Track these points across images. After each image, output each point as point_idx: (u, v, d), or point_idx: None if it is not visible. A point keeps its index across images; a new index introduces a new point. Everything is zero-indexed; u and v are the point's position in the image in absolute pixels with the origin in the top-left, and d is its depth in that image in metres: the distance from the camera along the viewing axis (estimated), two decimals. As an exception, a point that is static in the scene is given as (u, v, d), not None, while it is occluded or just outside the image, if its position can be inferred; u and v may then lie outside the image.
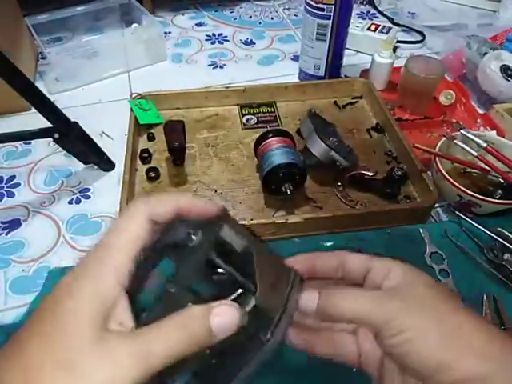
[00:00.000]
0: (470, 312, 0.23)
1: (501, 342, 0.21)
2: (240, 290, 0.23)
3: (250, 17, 0.98)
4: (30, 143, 0.65)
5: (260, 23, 0.96)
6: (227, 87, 0.69)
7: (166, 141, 0.59)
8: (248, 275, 0.24)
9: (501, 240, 0.48)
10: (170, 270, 0.23)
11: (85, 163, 0.60)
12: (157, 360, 0.19)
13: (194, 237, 0.23)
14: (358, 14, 0.98)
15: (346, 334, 0.28)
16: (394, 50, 0.74)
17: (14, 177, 0.60)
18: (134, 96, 0.65)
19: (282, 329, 0.24)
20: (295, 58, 0.83)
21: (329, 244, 0.49)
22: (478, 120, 0.66)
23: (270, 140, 0.55)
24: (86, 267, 0.21)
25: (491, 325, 0.23)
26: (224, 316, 0.21)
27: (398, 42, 0.84)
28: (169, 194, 0.24)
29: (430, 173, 0.55)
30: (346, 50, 0.74)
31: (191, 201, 0.24)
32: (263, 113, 0.68)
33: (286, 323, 0.24)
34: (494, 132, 0.61)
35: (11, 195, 0.58)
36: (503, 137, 0.59)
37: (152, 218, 0.22)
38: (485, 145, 0.52)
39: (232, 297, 0.23)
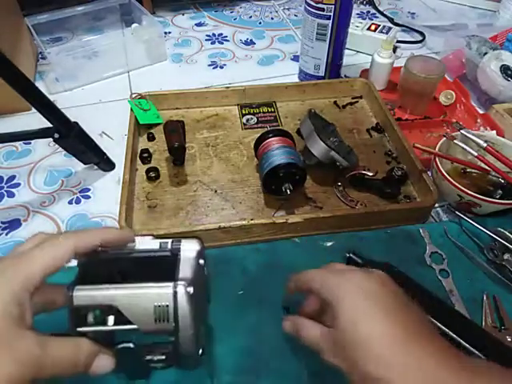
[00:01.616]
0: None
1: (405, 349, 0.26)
2: (123, 345, 0.27)
3: (250, 17, 0.98)
4: (30, 143, 0.65)
5: (260, 23, 0.96)
6: (227, 87, 0.69)
7: (165, 141, 0.59)
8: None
9: (501, 240, 0.48)
10: None
11: (85, 163, 0.60)
12: (46, 368, 0.23)
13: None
14: (358, 14, 0.98)
15: None
16: (394, 50, 0.74)
17: (14, 177, 0.60)
18: (133, 96, 0.65)
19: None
20: (295, 58, 0.83)
21: (329, 244, 0.49)
22: (478, 120, 0.66)
23: (270, 140, 0.55)
24: (2, 271, 0.24)
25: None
26: (102, 365, 0.26)
27: (398, 41, 0.84)
28: (95, 229, 0.29)
29: (429, 173, 0.55)
30: (346, 50, 0.74)
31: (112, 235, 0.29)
32: (263, 113, 0.68)
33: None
34: (494, 132, 0.61)
35: (11, 195, 0.58)
36: (503, 137, 0.59)
37: (76, 251, 0.26)
38: (485, 145, 0.52)
39: (117, 347, 0.27)
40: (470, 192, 0.49)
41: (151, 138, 0.63)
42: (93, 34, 0.87)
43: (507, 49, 0.73)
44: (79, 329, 0.26)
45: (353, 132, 0.65)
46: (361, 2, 1.02)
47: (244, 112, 0.68)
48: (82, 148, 0.56)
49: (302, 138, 0.59)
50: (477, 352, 0.36)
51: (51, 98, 0.52)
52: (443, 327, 0.38)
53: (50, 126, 0.53)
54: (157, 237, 0.30)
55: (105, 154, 0.60)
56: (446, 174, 0.51)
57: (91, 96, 0.74)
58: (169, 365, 0.28)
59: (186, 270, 0.28)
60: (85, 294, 0.26)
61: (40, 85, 0.74)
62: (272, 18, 0.98)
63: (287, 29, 0.94)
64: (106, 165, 0.60)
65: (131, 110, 0.63)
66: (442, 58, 0.77)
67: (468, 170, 0.56)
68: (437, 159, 0.53)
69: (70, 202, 0.57)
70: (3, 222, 0.54)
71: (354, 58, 0.83)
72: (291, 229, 0.50)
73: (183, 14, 0.98)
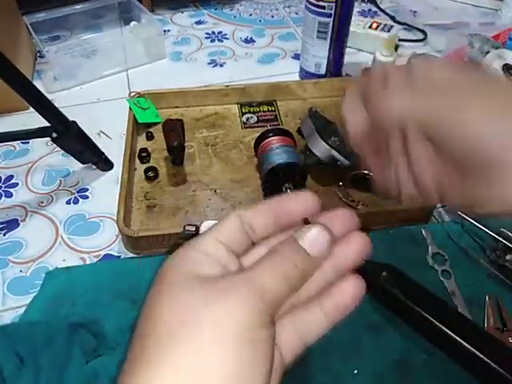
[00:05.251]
0: None
1: None
2: None
3: (250, 15, 0.97)
4: (27, 143, 0.65)
5: (260, 21, 0.95)
6: (227, 86, 0.68)
7: (164, 140, 0.58)
8: None
9: (503, 240, 0.47)
10: None
11: (83, 163, 0.60)
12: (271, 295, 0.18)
13: None
14: (359, 11, 0.97)
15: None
16: (396, 48, 0.73)
17: (11, 176, 0.60)
18: (132, 95, 0.65)
19: None
20: (296, 57, 0.82)
21: (329, 245, 0.49)
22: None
23: (270, 139, 0.54)
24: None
25: None
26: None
27: (400, 40, 0.83)
28: None
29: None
30: (348, 49, 0.74)
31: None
32: (263, 112, 0.68)
33: None
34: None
35: (9, 195, 0.57)
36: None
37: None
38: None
39: None
40: (472, 192, 0.49)
41: (150, 137, 0.63)
42: (91, 33, 0.86)
43: (509, 47, 0.72)
44: None
45: (354, 131, 0.65)
46: (362, -1, 1.01)
47: (244, 111, 0.68)
48: (80, 147, 0.56)
49: (302, 137, 0.58)
50: (478, 353, 0.36)
51: (49, 96, 0.51)
52: (445, 328, 0.37)
53: (48, 125, 0.52)
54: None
55: (103, 153, 0.59)
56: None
57: (89, 95, 0.73)
58: None
59: None
60: None
61: (38, 84, 0.74)
62: (272, 16, 0.97)
63: (288, 27, 0.93)
64: (105, 164, 0.60)
65: (130, 108, 0.62)
66: (444, 56, 0.77)
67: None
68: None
69: (68, 202, 0.56)
70: (1, 223, 0.54)
71: (356, 57, 0.83)
72: (291, 229, 0.49)
73: (182, 12, 0.98)
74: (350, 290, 0.21)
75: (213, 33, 0.91)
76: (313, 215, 0.21)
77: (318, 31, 0.67)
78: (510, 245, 0.47)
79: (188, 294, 0.17)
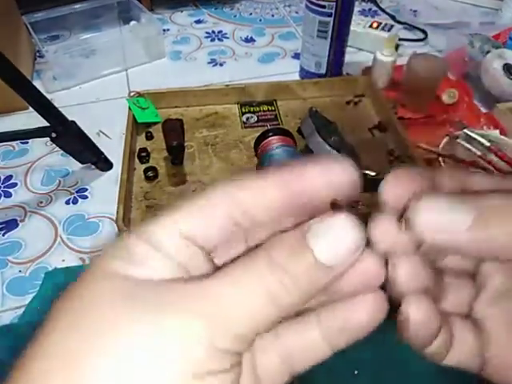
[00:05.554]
0: None
1: None
2: None
3: (250, 14, 0.97)
4: (26, 142, 0.65)
5: (260, 20, 0.95)
6: (227, 85, 0.68)
7: (164, 140, 0.58)
8: None
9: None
10: None
11: (82, 163, 0.59)
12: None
13: None
14: (359, 11, 0.97)
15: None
16: (396, 47, 0.73)
17: (10, 177, 0.60)
18: (132, 94, 0.65)
19: None
20: (296, 56, 0.82)
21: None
22: (482, 119, 0.65)
23: (270, 139, 0.54)
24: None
25: None
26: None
27: (400, 39, 0.83)
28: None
29: (432, 172, 0.55)
30: (348, 48, 0.73)
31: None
32: (263, 111, 0.68)
33: None
34: (497, 131, 0.60)
35: (8, 195, 0.57)
36: (506, 135, 0.58)
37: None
38: (488, 144, 0.51)
39: None
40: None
41: (149, 136, 0.63)
42: (90, 32, 0.86)
43: (510, 47, 0.72)
44: None
45: (354, 131, 0.64)
46: (362, -1, 1.01)
47: (244, 110, 0.68)
48: (79, 147, 0.56)
49: (302, 136, 0.58)
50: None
51: (48, 96, 0.51)
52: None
53: (48, 125, 0.52)
54: None
55: (102, 153, 0.59)
56: (448, 173, 0.50)
57: (89, 94, 0.73)
58: None
59: None
60: None
61: (37, 83, 0.73)
62: (273, 15, 0.97)
63: (288, 26, 0.93)
64: (104, 164, 0.60)
65: (129, 108, 0.62)
66: (444, 56, 0.77)
67: (471, 169, 0.55)
68: (440, 159, 0.52)
69: (67, 202, 0.56)
70: (0, 223, 0.53)
71: (356, 56, 0.83)
72: (292, 229, 0.49)
73: (182, 11, 0.97)
74: (366, 306, 0.14)
75: (213, 32, 0.90)
76: (348, 197, 0.13)
77: (319, 30, 0.67)
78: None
79: (99, 309, 0.11)
